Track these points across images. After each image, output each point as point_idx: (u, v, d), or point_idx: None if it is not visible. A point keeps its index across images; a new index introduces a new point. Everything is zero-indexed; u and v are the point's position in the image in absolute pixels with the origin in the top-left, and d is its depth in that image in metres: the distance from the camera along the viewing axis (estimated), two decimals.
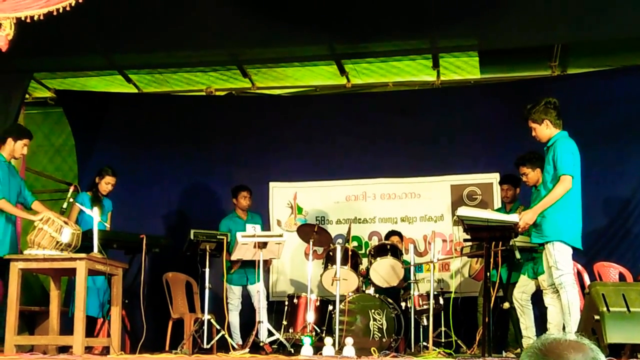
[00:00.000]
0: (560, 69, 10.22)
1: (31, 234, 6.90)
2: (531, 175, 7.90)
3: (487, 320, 6.62)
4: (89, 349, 7.11)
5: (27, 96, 10.25)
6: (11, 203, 7.71)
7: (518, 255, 7.14)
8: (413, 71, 10.57)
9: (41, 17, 5.92)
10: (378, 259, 8.73)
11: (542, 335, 2.19)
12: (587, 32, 8.61)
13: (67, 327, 7.36)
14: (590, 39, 9.10)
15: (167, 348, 8.51)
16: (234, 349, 7.98)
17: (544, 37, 8.89)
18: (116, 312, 7.39)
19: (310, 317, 8.25)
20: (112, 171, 8.84)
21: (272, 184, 10.65)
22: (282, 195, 10.65)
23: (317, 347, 7.30)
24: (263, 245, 8.42)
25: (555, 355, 2.08)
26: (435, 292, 8.29)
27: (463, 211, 6.94)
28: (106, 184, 8.80)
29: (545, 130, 6.79)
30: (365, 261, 9.13)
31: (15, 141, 7.86)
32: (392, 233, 9.74)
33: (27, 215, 7.84)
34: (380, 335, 8.24)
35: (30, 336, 8.36)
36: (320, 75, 10.78)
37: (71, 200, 7.76)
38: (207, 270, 8.48)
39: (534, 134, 6.88)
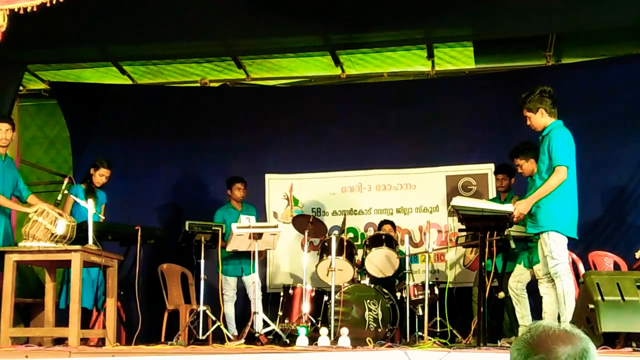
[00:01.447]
0: (554, 58, 10.22)
1: (26, 226, 6.90)
2: (526, 166, 7.91)
3: (482, 309, 6.62)
4: (84, 341, 7.11)
5: (21, 88, 10.21)
6: (6, 196, 7.70)
7: (513, 245, 7.15)
8: (408, 61, 10.56)
9: (34, 9, 5.91)
10: (373, 249, 8.74)
11: (532, 325, 2.18)
12: (582, 22, 8.59)
13: (62, 319, 7.37)
14: (584, 28, 9.08)
15: (162, 339, 8.50)
16: (229, 339, 7.99)
17: (539, 27, 8.88)
18: (111, 304, 7.39)
19: (306, 307, 8.25)
20: (107, 163, 8.80)
21: (267, 176, 10.66)
22: (278, 187, 10.65)
23: (313, 338, 7.30)
24: (258, 236, 8.41)
25: (544, 349, 2.08)
26: (430, 282, 8.31)
27: (458, 201, 6.94)
28: (100, 176, 8.77)
29: (540, 119, 6.79)
30: (360, 252, 9.14)
31: None
32: (385, 222, 9.76)
33: (21, 207, 7.82)
34: (375, 325, 8.26)
35: (26, 328, 8.34)
36: (314, 66, 10.77)
37: (66, 192, 7.73)
38: (202, 261, 8.50)
39: (528, 122, 6.89)
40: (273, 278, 10.40)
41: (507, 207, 6.87)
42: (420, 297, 8.25)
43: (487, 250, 6.79)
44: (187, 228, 8.57)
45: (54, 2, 5.87)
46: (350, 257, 8.68)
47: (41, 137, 11.78)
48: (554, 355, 2.06)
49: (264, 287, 9.97)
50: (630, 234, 9.29)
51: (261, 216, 10.09)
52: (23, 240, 6.90)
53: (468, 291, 9.05)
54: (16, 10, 5.90)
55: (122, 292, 8.19)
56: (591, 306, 5.97)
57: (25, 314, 8.97)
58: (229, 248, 8.73)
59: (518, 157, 7.97)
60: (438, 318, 8.50)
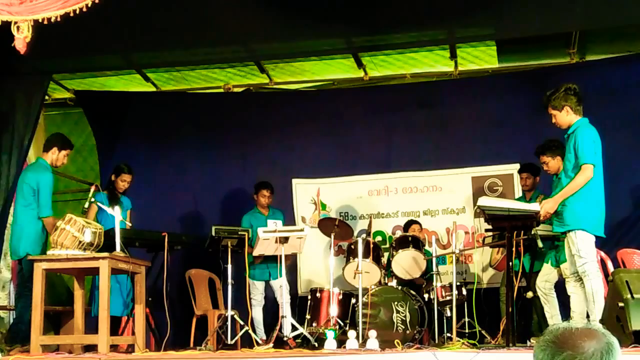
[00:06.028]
0: (578, 55, 10.14)
1: (54, 234, 6.95)
2: (552, 163, 7.86)
3: (510, 309, 6.60)
4: (113, 348, 7.15)
5: (46, 97, 10.28)
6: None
7: (540, 244, 7.12)
8: (430, 62, 10.53)
9: (58, 19, 5.95)
10: (400, 251, 8.72)
11: (551, 327, 2.21)
12: (605, 18, 8.51)
13: (92, 326, 7.42)
14: (608, 24, 9.01)
15: (191, 345, 8.54)
16: (258, 344, 8.01)
17: (562, 24, 8.80)
18: (140, 310, 7.43)
19: (334, 310, 8.25)
20: (127, 168, 8.85)
21: (294, 181, 10.64)
22: (305, 191, 10.64)
23: (341, 341, 7.31)
24: (284, 240, 8.42)
25: (571, 346, 2.10)
26: (458, 283, 8.28)
27: (484, 201, 6.92)
28: (122, 182, 8.82)
29: (566, 117, 6.75)
30: (387, 254, 9.12)
31: (59, 150, 8.06)
32: (412, 222, 9.72)
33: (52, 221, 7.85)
34: (403, 327, 8.24)
35: (56, 336, 8.42)
36: (337, 69, 10.76)
37: (92, 200, 7.78)
38: (229, 266, 8.50)
39: (554, 120, 6.84)
40: (305, 283, 10.38)
41: (533, 206, 6.83)
42: (448, 298, 8.24)
43: (514, 250, 6.76)
44: (213, 233, 8.58)
45: (77, 11, 5.91)
46: (377, 260, 8.66)
47: None
48: (581, 350, 2.09)
49: (296, 292, 9.98)
50: None
51: (290, 221, 10.07)
52: (51, 249, 6.95)
53: (496, 291, 9.01)
54: (40, 20, 5.94)
55: (150, 299, 8.21)
56: (621, 304, 5.94)
57: (55, 321, 9.05)
58: (255, 252, 8.75)
59: (545, 154, 7.92)
60: (466, 319, 8.48)
